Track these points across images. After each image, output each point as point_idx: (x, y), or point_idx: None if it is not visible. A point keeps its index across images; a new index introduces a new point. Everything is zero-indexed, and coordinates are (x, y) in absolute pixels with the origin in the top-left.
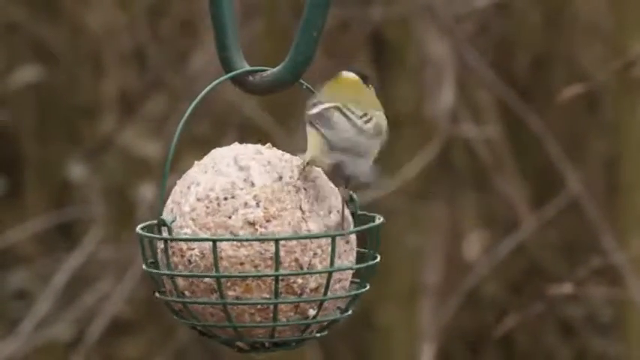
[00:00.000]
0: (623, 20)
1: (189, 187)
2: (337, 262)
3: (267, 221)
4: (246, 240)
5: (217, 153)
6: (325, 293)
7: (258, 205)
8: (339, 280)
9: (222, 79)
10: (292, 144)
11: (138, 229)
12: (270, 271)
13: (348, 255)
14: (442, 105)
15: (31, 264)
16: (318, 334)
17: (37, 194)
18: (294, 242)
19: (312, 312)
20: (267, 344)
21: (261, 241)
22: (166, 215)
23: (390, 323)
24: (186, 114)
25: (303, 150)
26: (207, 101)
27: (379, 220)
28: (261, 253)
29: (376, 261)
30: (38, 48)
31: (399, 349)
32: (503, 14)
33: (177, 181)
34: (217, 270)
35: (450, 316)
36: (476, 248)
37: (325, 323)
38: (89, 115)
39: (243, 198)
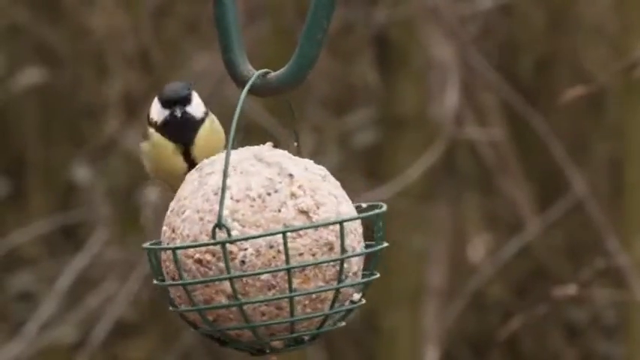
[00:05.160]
0: (627, 22)
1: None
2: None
3: (318, 208)
4: (316, 226)
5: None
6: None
7: (305, 193)
8: (359, 268)
9: (250, 82)
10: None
11: (181, 244)
12: (335, 256)
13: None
14: (446, 107)
15: (36, 266)
16: (344, 323)
17: (41, 196)
18: (338, 226)
19: (356, 296)
20: (306, 338)
21: (327, 225)
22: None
23: (395, 325)
24: (233, 129)
25: (305, 151)
26: (210, 104)
27: (383, 206)
28: (317, 241)
29: (386, 244)
30: (42, 50)
31: (404, 352)
32: (507, 16)
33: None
34: (288, 262)
35: (455, 318)
36: (480, 250)
37: (342, 313)
38: (93, 116)
39: (286, 190)
